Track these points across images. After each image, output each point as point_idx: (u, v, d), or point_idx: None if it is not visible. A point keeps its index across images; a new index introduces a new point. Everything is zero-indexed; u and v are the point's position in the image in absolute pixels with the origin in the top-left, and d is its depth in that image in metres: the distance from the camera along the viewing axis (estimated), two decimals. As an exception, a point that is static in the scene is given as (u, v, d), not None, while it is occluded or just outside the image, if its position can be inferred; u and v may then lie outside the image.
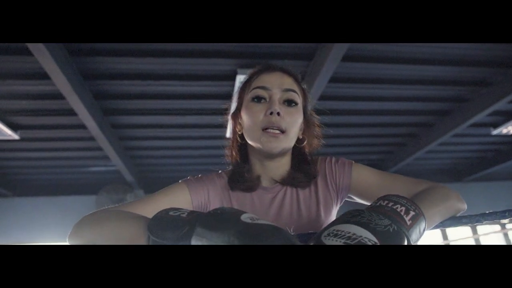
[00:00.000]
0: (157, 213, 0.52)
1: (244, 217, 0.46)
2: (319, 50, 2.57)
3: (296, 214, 0.82)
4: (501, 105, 3.29)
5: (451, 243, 5.16)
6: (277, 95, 0.80)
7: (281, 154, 0.82)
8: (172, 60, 2.64)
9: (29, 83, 2.73)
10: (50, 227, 4.81)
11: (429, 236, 5.35)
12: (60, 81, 2.40)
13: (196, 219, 0.48)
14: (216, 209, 0.49)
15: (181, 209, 0.53)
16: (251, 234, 0.42)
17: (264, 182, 0.85)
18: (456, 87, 3.28)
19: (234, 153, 0.89)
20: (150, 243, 0.49)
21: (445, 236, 5.36)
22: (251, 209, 0.82)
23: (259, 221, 0.45)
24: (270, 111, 0.77)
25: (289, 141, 0.81)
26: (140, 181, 5.09)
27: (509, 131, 4.09)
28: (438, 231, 5.35)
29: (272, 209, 0.82)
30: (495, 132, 4.09)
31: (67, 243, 0.63)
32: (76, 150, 4.10)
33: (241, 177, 0.83)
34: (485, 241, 5.52)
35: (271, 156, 0.82)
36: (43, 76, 2.44)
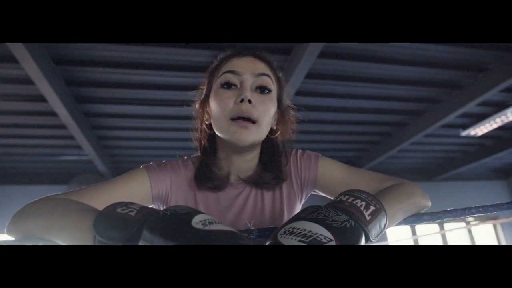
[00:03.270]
0: (104, 209, 0.49)
1: (195, 221, 0.42)
2: (296, 45, 2.58)
3: (260, 212, 0.79)
4: (470, 107, 3.41)
5: (419, 239, 5.34)
6: (248, 80, 0.73)
7: (251, 147, 0.76)
8: (148, 49, 2.58)
9: (-4, 66, 2.61)
10: (17, 216, 4.64)
11: (397, 232, 5.52)
12: (29, 66, 2.30)
13: (144, 220, 0.44)
14: (166, 210, 0.45)
15: (131, 204, 0.48)
16: (200, 243, 0.40)
17: (231, 178, 0.80)
18: (429, 88, 3.37)
19: (201, 144, 0.83)
20: (96, 242, 0.46)
21: (413, 232, 5.54)
22: (215, 205, 0.78)
23: (212, 227, 0.42)
24: (241, 98, 0.70)
25: (261, 132, 0.74)
26: (114, 172, 4.98)
27: (476, 133, 4.25)
28: (407, 227, 5.52)
29: (236, 205, 0.79)
30: (464, 133, 4.24)
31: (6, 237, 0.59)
32: (46, 138, 3.96)
33: (210, 173, 0.78)
34: (451, 236, 5.75)
35: (240, 149, 0.76)
36: (11, 59, 2.34)
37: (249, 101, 0.70)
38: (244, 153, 0.78)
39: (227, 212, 0.78)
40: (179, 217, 0.43)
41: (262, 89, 0.74)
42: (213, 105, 0.76)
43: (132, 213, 0.46)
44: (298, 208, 0.84)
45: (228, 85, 0.73)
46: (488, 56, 2.92)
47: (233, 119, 0.71)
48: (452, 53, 2.87)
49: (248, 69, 0.74)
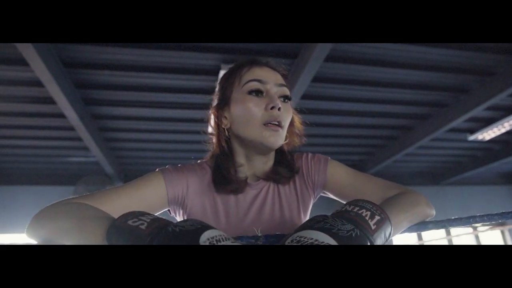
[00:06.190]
0: (117, 220, 0.50)
1: (203, 239, 0.43)
2: (303, 49, 2.58)
3: (278, 210, 0.82)
4: (477, 111, 3.39)
5: (426, 244, 5.30)
6: (274, 89, 0.79)
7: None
8: (156, 53, 2.61)
9: (6, 68, 2.65)
10: (25, 217, 4.64)
11: (403, 237, 5.49)
12: (39, 68, 2.34)
13: (154, 235, 0.45)
14: (175, 225, 0.46)
15: (142, 216, 0.50)
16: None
17: (249, 179, 0.83)
18: (436, 92, 3.36)
19: (219, 148, 0.84)
20: None
21: (420, 237, 5.50)
22: (235, 206, 0.80)
23: (220, 244, 0.43)
24: (272, 105, 0.75)
25: (284, 136, 0.80)
26: (120, 174, 5.02)
27: (484, 138, 4.21)
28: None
29: (255, 206, 0.81)
30: (471, 138, 4.20)
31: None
32: (55, 140, 4.01)
33: (228, 176, 0.80)
34: (457, 242, 5.69)
35: (267, 151, 0.80)
36: (21, 62, 2.38)
37: (279, 108, 0.76)
38: (266, 155, 0.82)
39: (248, 212, 0.80)
40: (187, 235, 0.44)
41: (285, 98, 0.80)
42: (239, 111, 0.78)
43: (143, 227, 0.47)
44: (310, 206, 0.87)
45: (256, 93, 0.78)
46: (496, 60, 2.90)
47: (265, 124, 0.76)
48: (460, 57, 2.86)
49: (272, 79, 0.80)
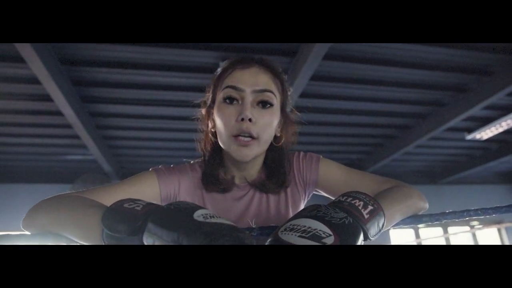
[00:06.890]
0: (112, 204, 0.51)
1: (197, 215, 0.45)
2: (302, 47, 2.58)
3: (265, 211, 0.82)
4: (475, 111, 3.40)
5: (423, 242, 5.31)
6: (250, 97, 0.73)
7: (253, 159, 0.78)
8: (154, 50, 2.60)
9: (3, 65, 2.64)
10: (22, 215, 4.63)
11: (400, 234, 5.51)
12: (36, 66, 2.33)
13: (149, 214, 0.46)
14: (170, 204, 0.48)
15: (138, 201, 0.51)
16: (200, 234, 0.42)
17: (237, 180, 0.83)
18: (434, 91, 3.36)
19: (206, 150, 0.85)
20: (104, 235, 0.48)
21: (417, 235, 5.52)
22: (222, 205, 0.81)
23: (212, 220, 0.45)
24: (241, 117, 0.71)
25: (262, 146, 0.76)
26: (118, 172, 5.02)
27: (482, 137, 4.22)
28: (410, 230, 5.51)
29: (240, 205, 0.82)
30: (469, 137, 4.21)
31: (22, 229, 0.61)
32: (52, 137, 4.00)
33: (216, 177, 0.81)
34: (454, 240, 5.72)
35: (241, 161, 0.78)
36: (18, 59, 2.37)
37: (250, 119, 0.72)
38: (248, 163, 0.80)
39: (231, 210, 0.81)
40: (181, 211, 0.46)
41: (264, 104, 0.75)
42: (216, 117, 0.77)
43: (138, 208, 0.48)
44: (302, 207, 0.86)
45: (230, 100, 0.74)
46: (494, 60, 2.91)
47: (234, 136, 0.73)
48: (458, 57, 2.87)
49: (250, 83, 0.74)
